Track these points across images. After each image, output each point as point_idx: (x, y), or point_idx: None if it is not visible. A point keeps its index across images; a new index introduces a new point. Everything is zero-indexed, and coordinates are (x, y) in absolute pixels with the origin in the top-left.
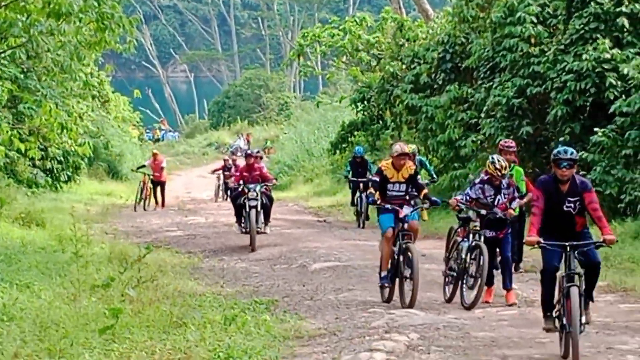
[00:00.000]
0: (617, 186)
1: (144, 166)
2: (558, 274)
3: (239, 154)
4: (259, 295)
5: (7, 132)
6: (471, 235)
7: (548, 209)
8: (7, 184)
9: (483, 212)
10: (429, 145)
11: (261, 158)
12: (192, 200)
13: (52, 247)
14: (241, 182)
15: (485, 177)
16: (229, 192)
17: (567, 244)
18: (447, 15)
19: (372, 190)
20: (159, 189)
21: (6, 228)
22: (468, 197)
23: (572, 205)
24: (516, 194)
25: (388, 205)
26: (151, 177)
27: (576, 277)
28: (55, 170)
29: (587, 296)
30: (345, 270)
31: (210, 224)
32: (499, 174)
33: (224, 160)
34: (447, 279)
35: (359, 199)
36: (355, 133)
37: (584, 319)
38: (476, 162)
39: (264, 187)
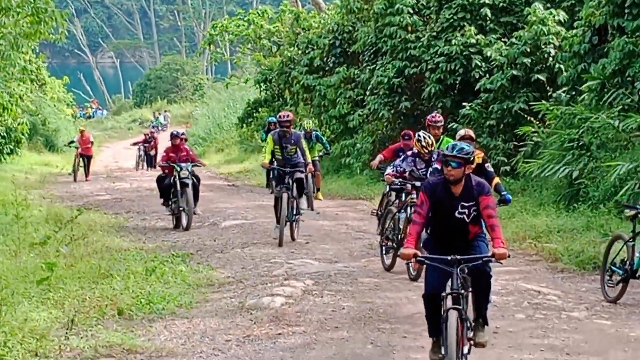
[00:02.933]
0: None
1: (73, 142)
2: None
3: (160, 128)
4: (176, 250)
5: None
6: (409, 208)
7: (437, 216)
8: None
9: (418, 183)
10: (322, 119)
11: (186, 140)
12: (119, 169)
13: None
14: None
15: (415, 151)
16: (149, 163)
17: (449, 257)
18: (337, 8)
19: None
20: (85, 161)
21: None
22: (400, 169)
23: (465, 211)
24: None
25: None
26: (80, 150)
27: (460, 298)
28: None
29: (478, 315)
30: (251, 227)
31: (134, 189)
32: (426, 150)
33: (145, 134)
34: (384, 249)
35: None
36: (259, 109)
37: (465, 349)
38: (362, 132)
39: (194, 166)
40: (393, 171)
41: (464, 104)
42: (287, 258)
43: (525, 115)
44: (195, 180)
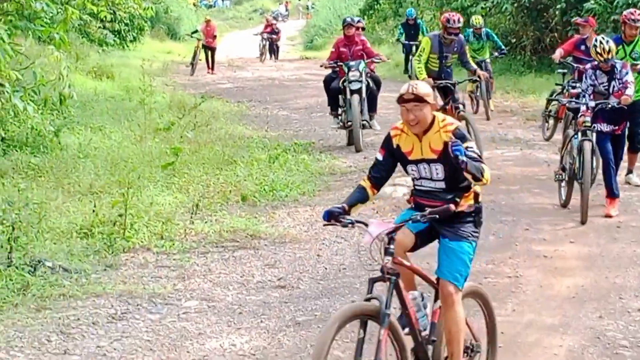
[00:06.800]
0: None
1: (196, 31)
2: None
3: (280, 19)
4: (298, 139)
5: None
6: (580, 133)
7: None
8: (81, 43)
9: (592, 103)
10: (444, 11)
11: (363, 29)
12: (240, 58)
13: (121, 96)
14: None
15: (595, 62)
16: (274, 53)
17: None
18: None
19: (363, 181)
20: (209, 53)
21: (81, 79)
22: (585, 86)
23: None
24: (629, 78)
25: (350, 220)
26: (203, 42)
27: None
28: (122, 31)
29: None
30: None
31: (255, 78)
32: (602, 58)
33: (271, 23)
34: (558, 178)
35: (410, 62)
36: (381, 1)
37: None
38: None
39: (369, 65)
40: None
41: None
42: None
43: None
44: (371, 84)
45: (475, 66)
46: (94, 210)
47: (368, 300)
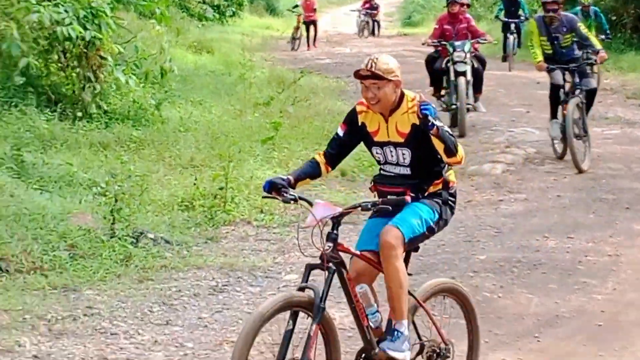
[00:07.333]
0: None
1: (297, 6)
2: None
3: None
4: None
5: None
6: None
7: None
8: (182, 17)
9: None
10: None
11: (469, 6)
12: (338, 34)
13: (220, 71)
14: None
15: None
16: (373, 30)
17: None
18: None
19: (317, 155)
20: (311, 28)
21: (181, 54)
22: None
23: None
24: None
25: (293, 195)
26: (304, 17)
27: None
28: (221, 6)
29: None
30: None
31: (354, 54)
32: None
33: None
34: None
35: (507, 40)
36: None
37: None
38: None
39: (474, 45)
40: None
41: None
42: (507, 126)
43: None
44: (477, 64)
45: (599, 46)
46: (194, 183)
47: (302, 289)
